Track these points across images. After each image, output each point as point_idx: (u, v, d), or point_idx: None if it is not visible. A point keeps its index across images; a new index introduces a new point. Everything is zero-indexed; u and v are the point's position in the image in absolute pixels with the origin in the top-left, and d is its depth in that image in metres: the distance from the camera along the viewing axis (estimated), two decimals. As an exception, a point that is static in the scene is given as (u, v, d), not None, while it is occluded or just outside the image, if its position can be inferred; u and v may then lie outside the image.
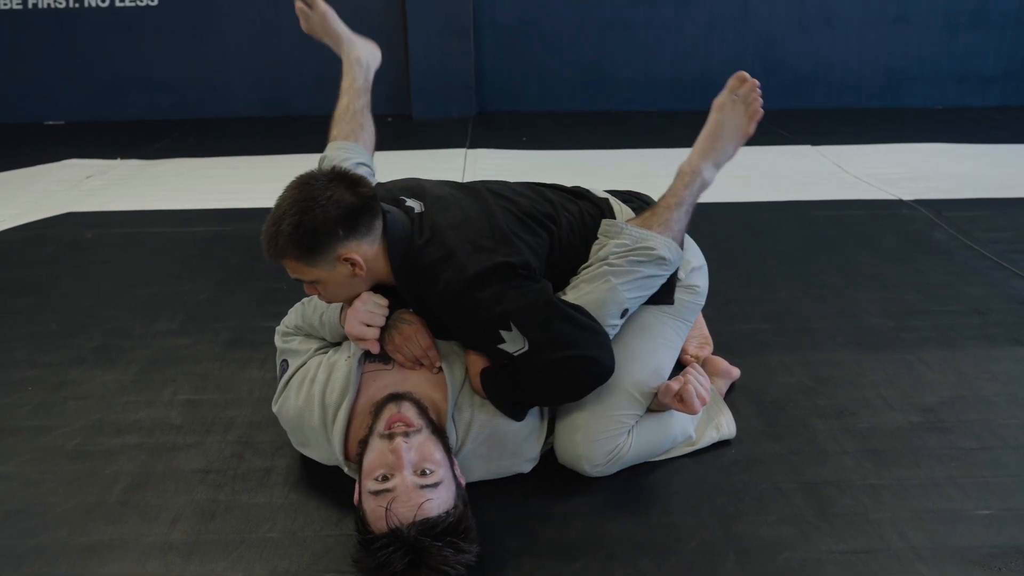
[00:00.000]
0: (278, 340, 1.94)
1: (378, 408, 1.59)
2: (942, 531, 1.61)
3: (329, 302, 1.76)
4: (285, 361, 1.88)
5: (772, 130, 5.25)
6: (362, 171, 1.98)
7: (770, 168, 4.36)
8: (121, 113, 5.83)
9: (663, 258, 1.74)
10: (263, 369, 2.28)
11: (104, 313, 2.66)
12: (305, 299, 1.90)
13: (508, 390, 1.67)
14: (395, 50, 5.74)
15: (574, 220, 1.83)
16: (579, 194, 1.95)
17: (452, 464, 1.55)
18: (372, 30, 5.84)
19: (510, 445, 1.72)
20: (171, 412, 2.07)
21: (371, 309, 1.69)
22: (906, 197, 3.77)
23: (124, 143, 5.03)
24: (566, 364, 1.61)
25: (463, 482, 1.56)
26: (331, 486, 1.75)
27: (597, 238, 1.80)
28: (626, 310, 1.73)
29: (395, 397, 1.60)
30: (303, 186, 1.60)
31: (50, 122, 5.80)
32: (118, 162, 4.64)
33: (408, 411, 1.56)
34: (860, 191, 3.91)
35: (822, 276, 2.91)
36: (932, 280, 2.85)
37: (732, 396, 2.11)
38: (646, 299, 1.79)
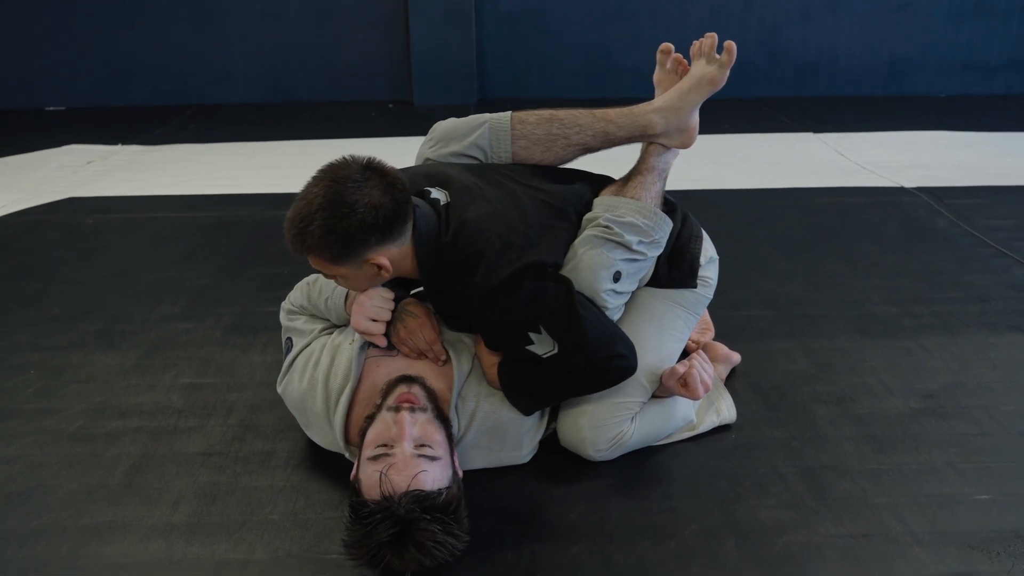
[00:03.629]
0: (283, 317, 1.93)
1: (390, 386, 1.60)
2: (941, 516, 1.62)
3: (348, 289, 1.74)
4: (290, 339, 1.88)
5: (775, 117, 5.24)
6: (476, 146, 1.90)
7: (772, 155, 4.35)
8: (123, 99, 5.82)
9: (634, 224, 1.71)
10: (264, 353, 2.29)
11: (106, 298, 2.67)
12: (310, 278, 1.89)
13: (528, 386, 1.67)
14: (397, 36, 5.73)
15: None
16: (595, 178, 1.93)
17: (452, 452, 1.56)
18: (374, 17, 5.89)
19: (511, 437, 1.73)
20: (173, 396, 2.08)
21: (377, 304, 1.69)
22: (908, 184, 3.76)
23: (125, 129, 5.02)
24: (596, 365, 1.62)
25: (460, 473, 1.56)
26: (332, 469, 1.76)
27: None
28: (618, 272, 1.69)
29: (408, 378, 1.61)
30: (334, 183, 1.49)
31: (51, 108, 5.79)
32: (119, 148, 4.63)
33: (418, 392, 1.58)
34: (862, 178, 3.90)
35: (824, 263, 2.91)
36: (933, 268, 2.85)
37: (733, 381, 2.11)
38: (643, 267, 1.77)
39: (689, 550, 1.53)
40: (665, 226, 1.77)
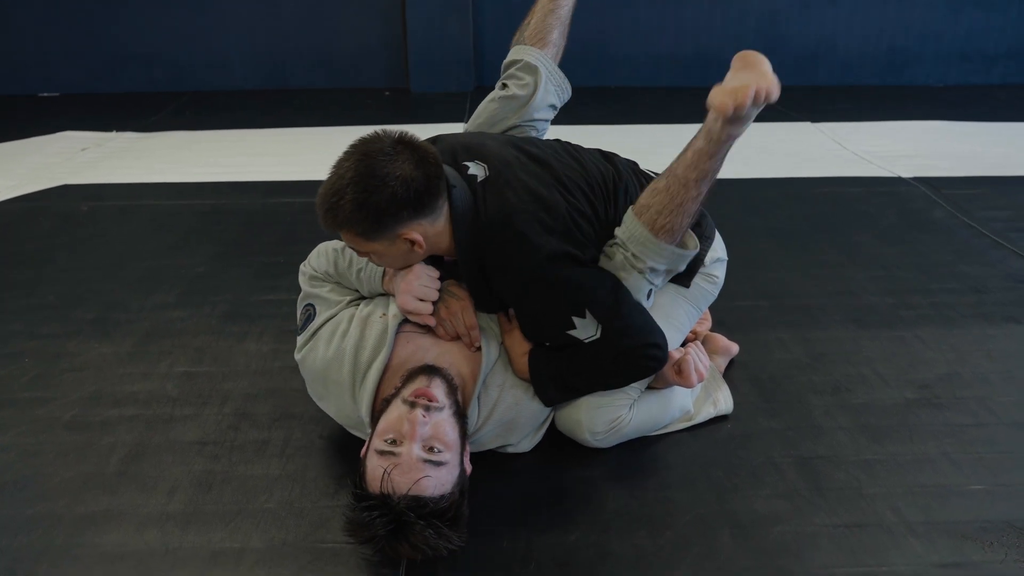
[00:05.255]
0: (304, 282, 1.85)
1: (411, 374, 1.57)
2: (935, 506, 1.62)
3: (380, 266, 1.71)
4: (311, 306, 1.81)
5: (772, 106, 5.21)
6: (548, 106, 1.99)
7: (769, 145, 4.34)
8: (118, 85, 5.77)
9: (656, 269, 1.66)
10: (260, 342, 2.28)
11: (101, 286, 2.66)
12: (336, 244, 1.81)
13: (563, 375, 1.66)
14: (394, 24, 5.69)
15: (623, 198, 1.76)
16: (624, 165, 1.89)
17: (463, 450, 1.54)
18: (371, 4, 5.84)
19: (523, 429, 1.73)
20: (167, 384, 2.08)
21: (425, 284, 1.66)
22: (905, 175, 3.75)
23: (120, 116, 4.99)
24: (636, 352, 1.62)
25: (469, 470, 1.55)
26: (328, 457, 1.76)
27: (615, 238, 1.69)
28: (651, 290, 1.70)
29: (430, 370, 1.57)
30: (366, 157, 1.50)
31: (45, 94, 5.75)
32: (114, 134, 4.60)
33: (437, 388, 1.53)
34: (859, 168, 3.90)
35: (821, 254, 2.91)
36: (931, 258, 2.85)
37: (730, 372, 2.11)
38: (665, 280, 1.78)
39: (685, 540, 1.54)
40: (687, 259, 1.70)
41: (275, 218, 3.23)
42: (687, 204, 1.57)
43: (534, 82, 2.01)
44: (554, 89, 2.05)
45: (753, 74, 1.46)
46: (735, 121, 1.45)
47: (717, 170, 1.57)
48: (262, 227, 3.15)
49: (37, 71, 5.72)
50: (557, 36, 2.06)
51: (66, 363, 2.18)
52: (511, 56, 2.07)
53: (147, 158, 4.15)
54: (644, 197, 1.63)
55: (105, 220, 3.27)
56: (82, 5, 5.58)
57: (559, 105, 2.09)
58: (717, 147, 1.51)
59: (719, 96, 1.42)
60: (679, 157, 1.59)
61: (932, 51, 5.89)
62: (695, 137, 1.55)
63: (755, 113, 1.46)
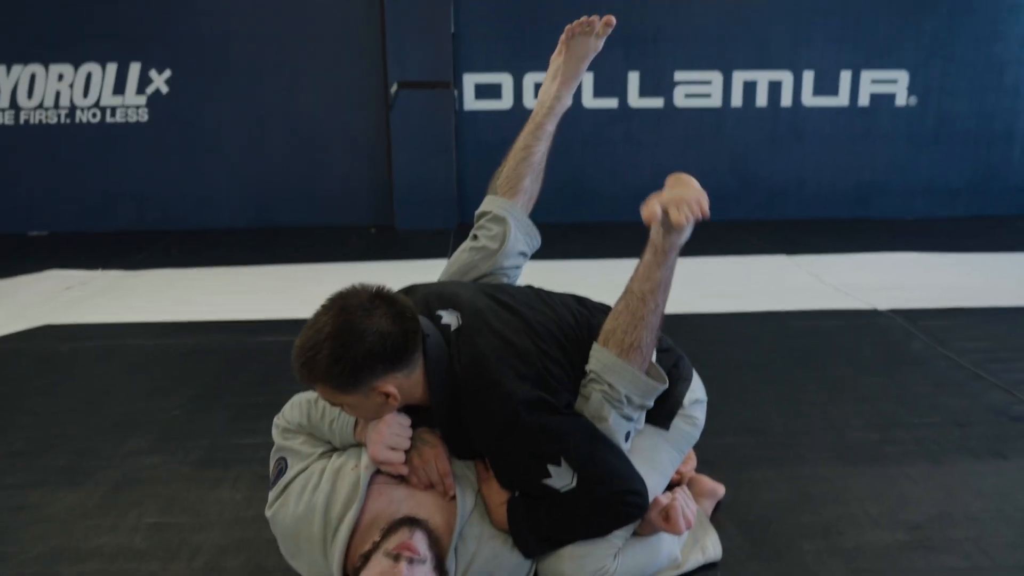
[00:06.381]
0: (277, 435, 1.83)
1: (391, 527, 1.53)
2: (937, 661, 1.55)
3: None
4: (283, 459, 1.78)
5: (748, 240, 5.37)
6: (518, 253, 2.05)
7: (747, 278, 4.43)
8: (107, 224, 5.88)
9: (630, 399, 1.66)
10: (234, 489, 2.21)
11: (73, 431, 2.59)
12: (310, 395, 1.80)
13: (543, 525, 1.62)
14: (379, 164, 5.89)
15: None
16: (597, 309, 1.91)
17: None
18: (358, 145, 6.08)
19: None
20: (135, 537, 1.99)
21: (397, 432, 1.64)
22: (881, 307, 3.82)
23: (108, 254, 5.05)
24: (615, 499, 1.60)
25: None
26: (299, 618, 1.67)
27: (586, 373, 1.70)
28: (629, 432, 1.71)
29: (412, 522, 1.54)
30: (342, 312, 1.51)
31: (34, 233, 5.84)
32: (99, 273, 4.64)
33: (419, 541, 1.50)
34: (836, 300, 3.96)
35: (803, 388, 2.91)
36: (911, 391, 2.85)
37: (717, 515, 2.06)
38: (643, 420, 1.77)
39: None
40: (658, 392, 1.71)
41: (256, 358, 3.21)
42: (648, 317, 1.65)
43: (503, 233, 2.05)
44: (523, 238, 2.09)
45: (682, 187, 1.61)
46: (671, 230, 1.58)
47: (669, 280, 1.67)
48: (242, 367, 3.13)
49: (26, 210, 5.84)
50: (529, 183, 2.11)
51: (29, 515, 2.09)
52: (483, 207, 2.12)
53: (131, 297, 4.17)
54: (607, 323, 1.70)
55: (84, 361, 3.24)
56: (75, 149, 5.77)
57: (529, 253, 2.14)
58: (664, 257, 1.63)
59: (648, 206, 1.56)
60: (632, 275, 1.69)
61: (898, 185, 6.16)
62: (643, 252, 1.67)
63: (691, 221, 1.57)
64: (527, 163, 2.12)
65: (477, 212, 2.13)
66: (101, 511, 2.12)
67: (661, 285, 1.65)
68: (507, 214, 2.07)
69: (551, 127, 2.15)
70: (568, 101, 2.19)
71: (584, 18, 2.11)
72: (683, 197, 1.56)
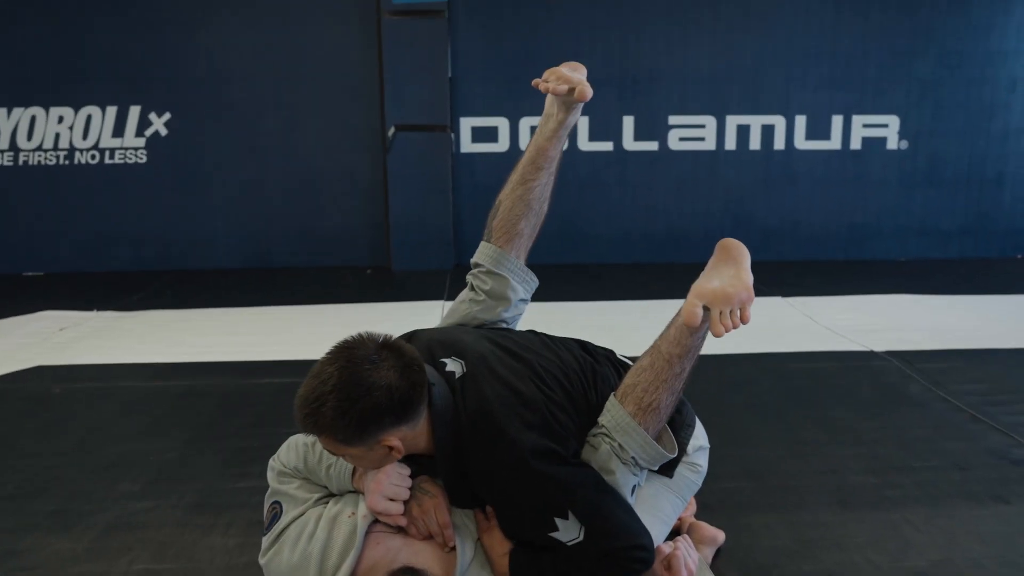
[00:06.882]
0: (272, 478, 1.80)
1: None
2: None
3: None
4: (278, 504, 1.75)
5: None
6: (518, 301, 1.98)
7: (743, 320, 4.42)
8: (104, 265, 5.87)
9: (636, 461, 1.65)
10: (226, 535, 2.18)
11: (65, 474, 2.56)
12: (307, 439, 1.76)
13: None
14: (377, 205, 5.92)
15: (603, 386, 1.77)
16: (601, 354, 1.90)
17: None
18: (356, 186, 6.11)
19: None
20: (125, 584, 1.96)
21: (396, 482, 1.62)
22: (877, 348, 3.82)
23: (103, 295, 5.03)
24: (622, 554, 1.57)
25: None
26: (292, 669, 1.63)
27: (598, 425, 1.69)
28: (635, 486, 1.69)
29: (411, 572, 1.52)
30: (349, 363, 1.48)
31: (29, 273, 5.83)
32: (93, 314, 4.62)
33: None
34: (832, 342, 3.97)
35: (801, 431, 2.89)
36: (910, 434, 2.84)
37: (717, 562, 2.03)
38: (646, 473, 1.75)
39: None
40: (666, 460, 1.69)
41: (251, 400, 3.18)
42: (672, 381, 1.61)
43: (502, 290, 1.98)
44: (521, 287, 2.03)
45: (732, 278, 1.54)
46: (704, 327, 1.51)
47: (700, 347, 1.61)
48: (237, 409, 3.10)
49: (21, 250, 5.83)
50: (524, 225, 2.00)
51: (16, 561, 2.05)
52: (477, 256, 2.04)
53: (125, 338, 4.14)
54: (629, 377, 1.66)
55: (77, 403, 3.21)
56: (73, 190, 5.78)
57: (528, 299, 2.10)
58: (698, 328, 1.56)
59: (691, 306, 1.50)
60: (662, 335, 1.63)
61: (890, 227, 6.20)
62: (677, 314, 1.60)
63: (728, 331, 1.51)
64: (523, 202, 2.00)
65: (472, 260, 2.07)
66: (91, 556, 2.08)
67: (691, 351, 1.60)
68: (502, 270, 2.00)
69: (554, 152, 1.99)
70: (574, 119, 1.99)
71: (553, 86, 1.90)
72: (731, 297, 1.49)
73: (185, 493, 2.42)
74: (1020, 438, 2.78)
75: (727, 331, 1.49)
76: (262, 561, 1.69)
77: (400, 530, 1.65)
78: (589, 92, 1.89)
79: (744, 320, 1.51)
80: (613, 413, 1.64)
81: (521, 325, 2.11)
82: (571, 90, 1.88)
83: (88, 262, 5.87)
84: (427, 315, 4.41)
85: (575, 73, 1.93)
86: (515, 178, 2.01)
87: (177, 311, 4.71)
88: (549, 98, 2.00)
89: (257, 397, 3.20)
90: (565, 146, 2.07)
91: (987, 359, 3.68)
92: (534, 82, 1.95)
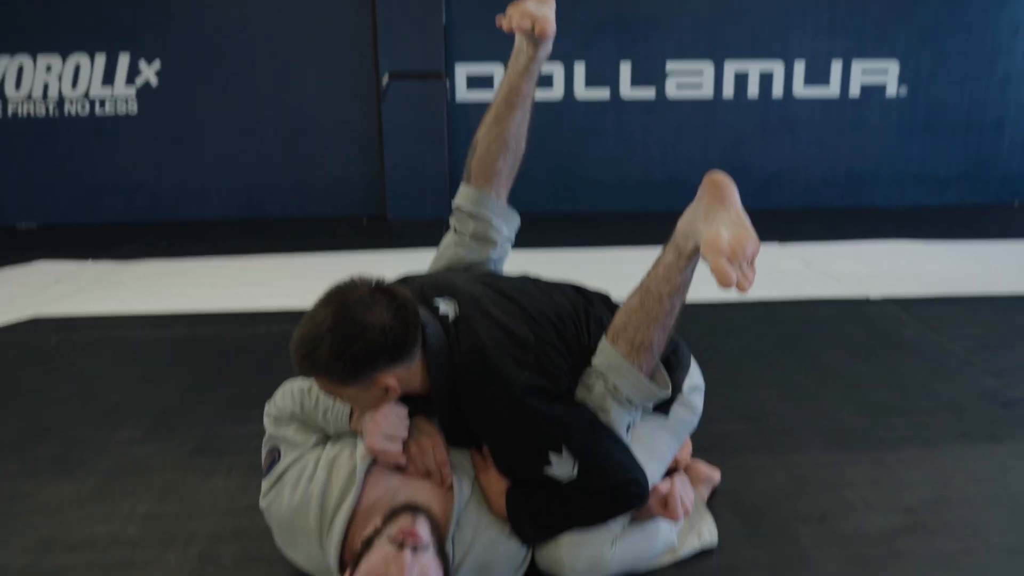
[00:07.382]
0: (268, 423, 1.81)
1: (393, 512, 1.52)
2: (933, 643, 1.56)
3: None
4: (276, 449, 1.76)
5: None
6: (503, 240, 1.96)
7: (740, 267, 4.42)
8: (96, 216, 5.84)
9: (631, 400, 1.66)
10: (228, 478, 2.20)
11: (66, 421, 2.58)
12: (303, 384, 1.78)
13: (542, 513, 1.62)
14: (371, 154, 5.87)
15: (596, 328, 1.77)
16: (595, 297, 1.90)
17: None
18: (350, 135, 6.04)
19: (502, 569, 1.66)
20: (129, 526, 1.98)
21: (394, 422, 1.63)
22: (873, 295, 3.83)
23: (97, 246, 5.01)
24: (616, 490, 1.59)
25: None
26: (295, 605, 1.66)
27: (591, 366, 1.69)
28: (630, 423, 1.70)
29: (414, 508, 1.53)
30: (343, 306, 1.49)
31: (23, 225, 5.79)
32: (89, 265, 4.60)
33: (422, 527, 1.49)
34: (828, 289, 3.97)
35: (796, 375, 2.91)
36: (905, 378, 2.86)
37: (712, 501, 2.06)
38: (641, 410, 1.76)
39: None
40: (661, 398, 1.71)
41: (248, 348, 3.19)
42: (663, 318, 1.61)
43: (483, 230, 1.98)
44: (504, 226, 2.02)
45: (732, 224, 1.57)
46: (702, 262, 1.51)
47: (688, 282, 1.62)
48: (234, 357, 3.11)
49: (15, 202, 5.79)
50: (503, 164, 1.98)
51: (20, 505, 2.08)
52: (457, 199, 2.03)
53: (121, 288, 4.13)
54: (619, 317, 1.66)
55: (75, 353, 3.22)
56: (65, 142, 5.71)
57: (512, 237, 2.08)
58: (687, 261, 1.59)
59: (718, 264, 1.51)
60: (650, 273, 1.64)
61: (888, 174, 6.17)
62: (664, 251, 1.61)
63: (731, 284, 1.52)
64: (500, 141, 1.98)
65: (453, 203, 2.05)
66: (94, 500, 2.10)
67: (681, 288, 1.60)
68: (483, 210, 1.99)
69: (527, 88, 1.96)
70: (544, 53, 1.95)
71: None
72: (740, 250, 1.52)
73: (186, 439, 2.44)
74: (1012, 381, 2.80)
75: (730, 284, 1.50)
76: (262, 504, 1.71)
77: (399, 469, 1.66)
78: (552, 28, 1.87)
79: (753, 271, 1.52)
80: (606, 354, 1.66)
81: (516, 270, 2.10)
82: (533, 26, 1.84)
83: (81, 213, 5.83)
84: (423, 263, 4.37)
85: (541, 8, 1.89)
86: (490, 118, 2.01)
87: (173, 261, 4.69)
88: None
89: (255, 345, 3.21)
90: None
91: (982, 305, 3.70)
92: (497, 18, 1.92)
